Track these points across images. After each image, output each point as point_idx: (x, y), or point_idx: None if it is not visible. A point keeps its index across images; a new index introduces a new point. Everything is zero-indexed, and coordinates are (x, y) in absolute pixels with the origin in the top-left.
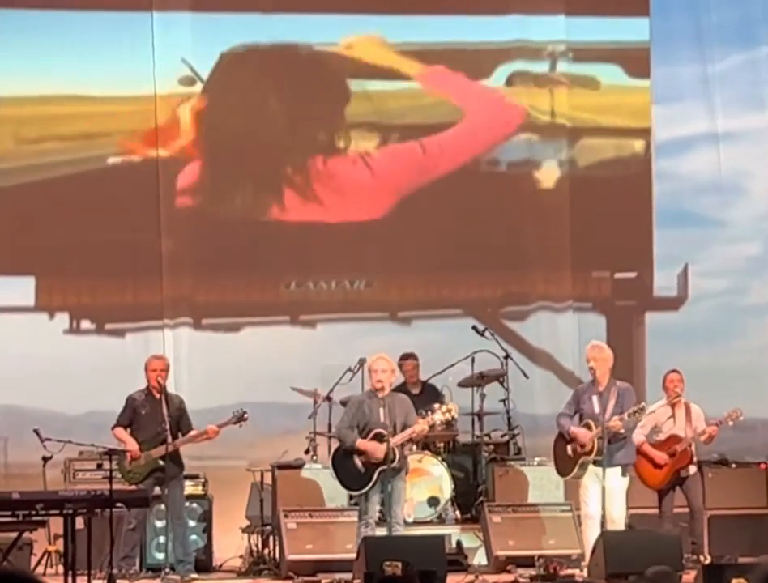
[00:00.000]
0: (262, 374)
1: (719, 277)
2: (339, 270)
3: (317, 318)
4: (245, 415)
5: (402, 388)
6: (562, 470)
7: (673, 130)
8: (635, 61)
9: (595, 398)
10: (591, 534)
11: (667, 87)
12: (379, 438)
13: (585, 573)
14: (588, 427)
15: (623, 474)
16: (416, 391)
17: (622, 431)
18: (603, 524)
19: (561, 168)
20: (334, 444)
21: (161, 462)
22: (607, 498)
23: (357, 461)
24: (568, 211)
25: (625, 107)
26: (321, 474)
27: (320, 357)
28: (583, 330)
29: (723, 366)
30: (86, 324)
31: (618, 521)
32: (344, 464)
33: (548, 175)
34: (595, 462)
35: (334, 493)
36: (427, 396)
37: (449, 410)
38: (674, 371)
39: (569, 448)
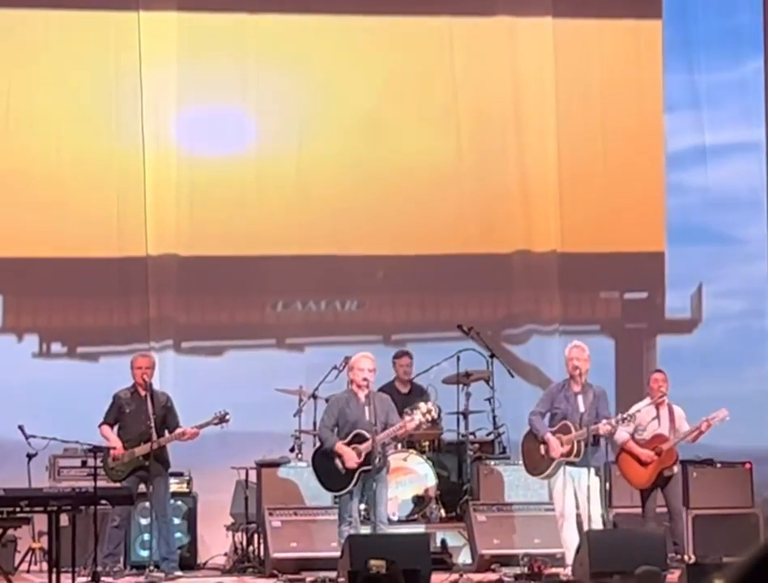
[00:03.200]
0: (245, 401)
1: (736, 297)
2: (330, 289)
3: (306, 341)
4: (227, 416)
5: (390, 386)
6: (533, 469)
7: (687, 140)
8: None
9: (580, 399)
10: (567, 533)
11: (680, 95)
12: (359, 440)
13: (569, 572)
14: (566, 428)
15: (596, 474)
16: (404, 390)
17: (610, 434)
18: (580, 523)
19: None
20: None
21: (144, 460)
22: (584, 497)
23: (338, 462)
24: (561, 224)
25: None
26: (305, 473)
27: (308, 383)
28: (592, 355)
29: (740, 393)
30: (57, 347)
31: (597, 520)
32: (325, 464)
33: (546, 184)
34: (568, 463)
35: (319, 491)
36: (415, 395)
37: (429, 412)
38: (658, 371)
39: (542, 447)
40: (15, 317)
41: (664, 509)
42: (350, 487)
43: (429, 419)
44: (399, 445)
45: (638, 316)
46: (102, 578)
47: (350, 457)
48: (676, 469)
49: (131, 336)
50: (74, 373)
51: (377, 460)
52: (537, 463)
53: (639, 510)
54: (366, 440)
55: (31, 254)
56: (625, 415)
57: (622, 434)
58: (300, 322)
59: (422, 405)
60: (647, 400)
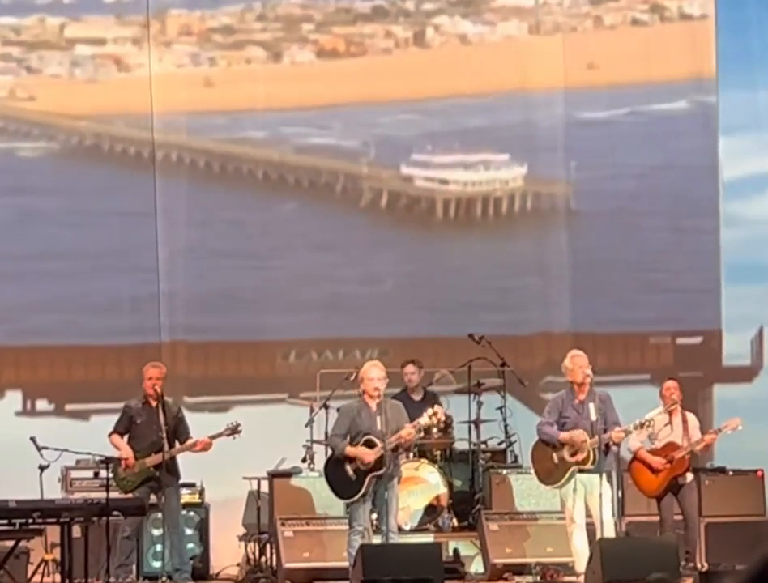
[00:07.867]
0: (254, 463)
1: None
2: (348, 336)
3: (321, 395)
4: (239, 428)
5: (404, 394)
6: (546, 478)
7: (745, 167)
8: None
9: (591, 406)
10: (578, 540)
11: (737, 116)
12: (369, 445)
13: (581, 580)
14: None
15: (608, 480)
16: (417, 398)
17: (623, 440)
18: (591, 531)
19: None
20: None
21: (155, 471)
22: (596, 504)
23: (348, 468)
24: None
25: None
26: (317, 483)
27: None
28: (641, 406)
29: None
30: (42, 404)
31: (610, 526)
32: (336, 472)
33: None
34: (581, 470)
35: (331, 501)
36: (427, 402)
37: (435, 414)
38: (671, 379)
39: (554, 456)
40: None
41: (679, 517)
42: (361, 492)
43: (436, 421)
44: (411, 455)
45: (693, 363)
46: None
47: (363, 453)
48: (688, 477)
49: (125, 391)
50: (63, 433)
51: (388, 467)
52: (550, 473)
53: (652, 518)
54: (375, 445)
55: (11, 301)
56: (641, 421)
57: (634, 443)
58: (315, 374)
59: (428, 409)
60: (659, 408)
